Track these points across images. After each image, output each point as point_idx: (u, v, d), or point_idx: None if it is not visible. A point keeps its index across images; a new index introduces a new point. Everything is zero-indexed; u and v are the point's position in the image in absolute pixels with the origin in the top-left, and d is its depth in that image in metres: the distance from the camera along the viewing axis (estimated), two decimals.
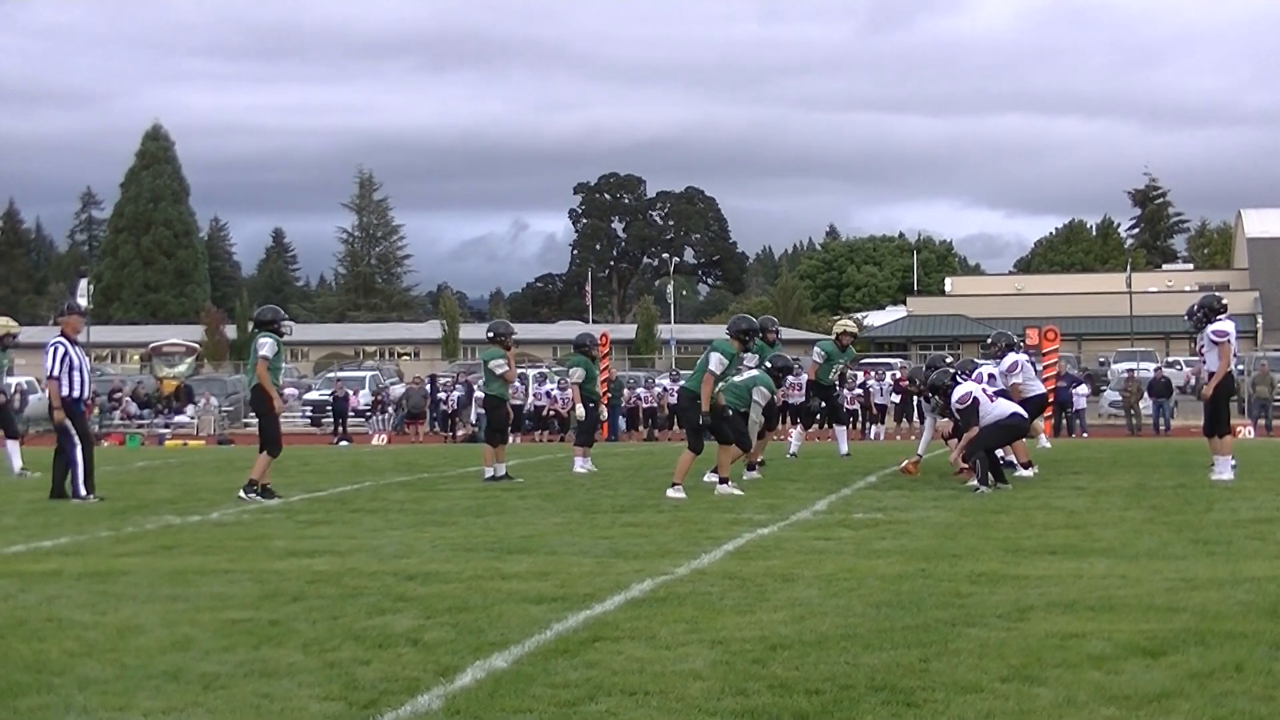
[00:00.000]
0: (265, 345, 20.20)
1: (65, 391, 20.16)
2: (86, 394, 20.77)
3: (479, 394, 50.26)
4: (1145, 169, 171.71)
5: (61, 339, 20.57)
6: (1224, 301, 21.27)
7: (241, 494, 19.71)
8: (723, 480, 19.50)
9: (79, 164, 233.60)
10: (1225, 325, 20.22)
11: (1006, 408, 19.84)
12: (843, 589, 10.73)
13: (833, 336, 26.88)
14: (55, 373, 20.26)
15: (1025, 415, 20.45)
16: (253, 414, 21.25)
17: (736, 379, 20.55)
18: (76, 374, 20.37)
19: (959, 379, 20.56)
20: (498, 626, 9.44)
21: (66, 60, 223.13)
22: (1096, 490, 19.17)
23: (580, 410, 25.01)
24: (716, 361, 19.39)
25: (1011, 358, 22.64)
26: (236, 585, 11.51)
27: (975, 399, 19.55)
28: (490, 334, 23.79)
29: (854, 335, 26.78)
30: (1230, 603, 9.83)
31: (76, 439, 20.10)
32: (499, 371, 23.00)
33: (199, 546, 14.32)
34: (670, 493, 18.87)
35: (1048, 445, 28.31)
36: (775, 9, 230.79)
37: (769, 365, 21.64)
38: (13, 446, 25.66)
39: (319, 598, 10.76)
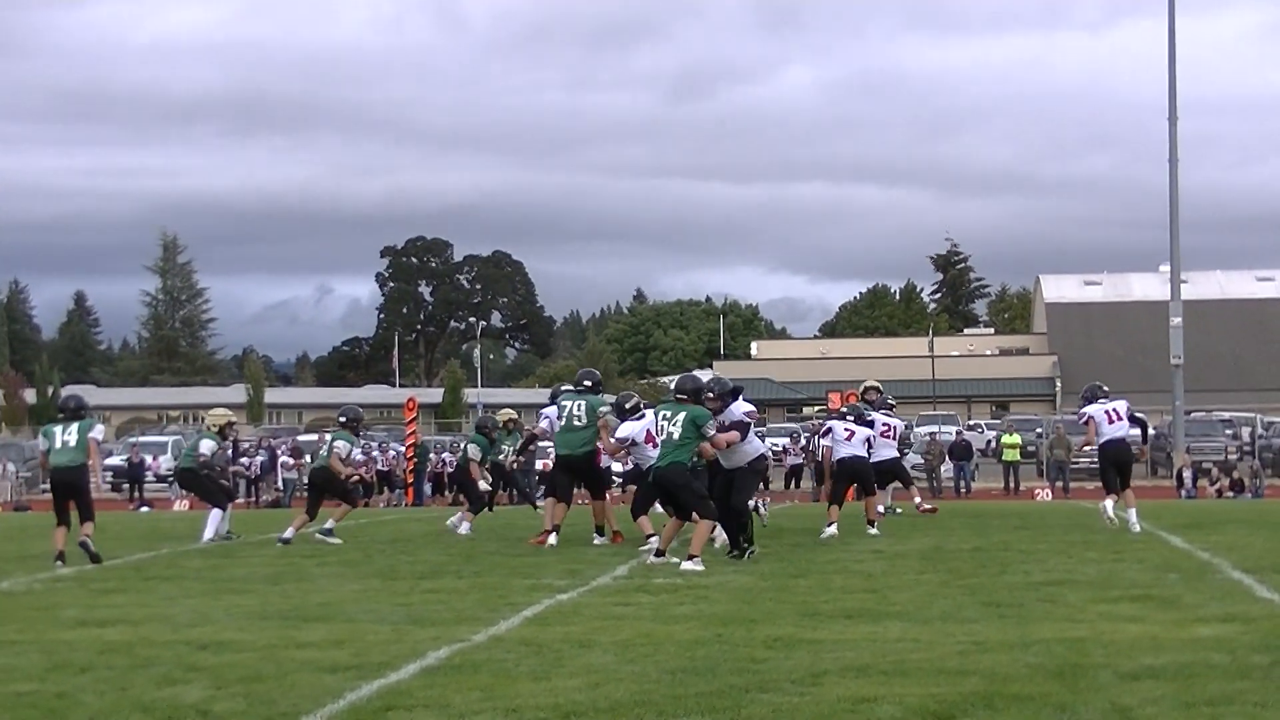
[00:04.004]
0: (340, 445, 23.50)
1: None
2: None
3: (284, 459, 50.05)
4: (947, 235, 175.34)
5: None
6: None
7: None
8: (659, 552, 18.41)
9: None
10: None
11: (758, 447, 19.42)
12: (639, 655, 10.74)
13: None
14: None
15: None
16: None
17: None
18: None
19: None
20: (290, 696, 9.33)
21: None
22: (894, 553, 19.36)
23: (483, 484, 26.52)
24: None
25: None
26: (23, 656, 11.27)
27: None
28: (343, 419, 24.84)
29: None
30: (1019, 665, 9.98)
31: None
32: (341, 455, 23.90)
33: None
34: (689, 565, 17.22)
35: (899, 511, 28.30)
36: (581, 78, 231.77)
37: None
38: None
39: (108, 668, 10.57)
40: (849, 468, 23.56)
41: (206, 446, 24.94)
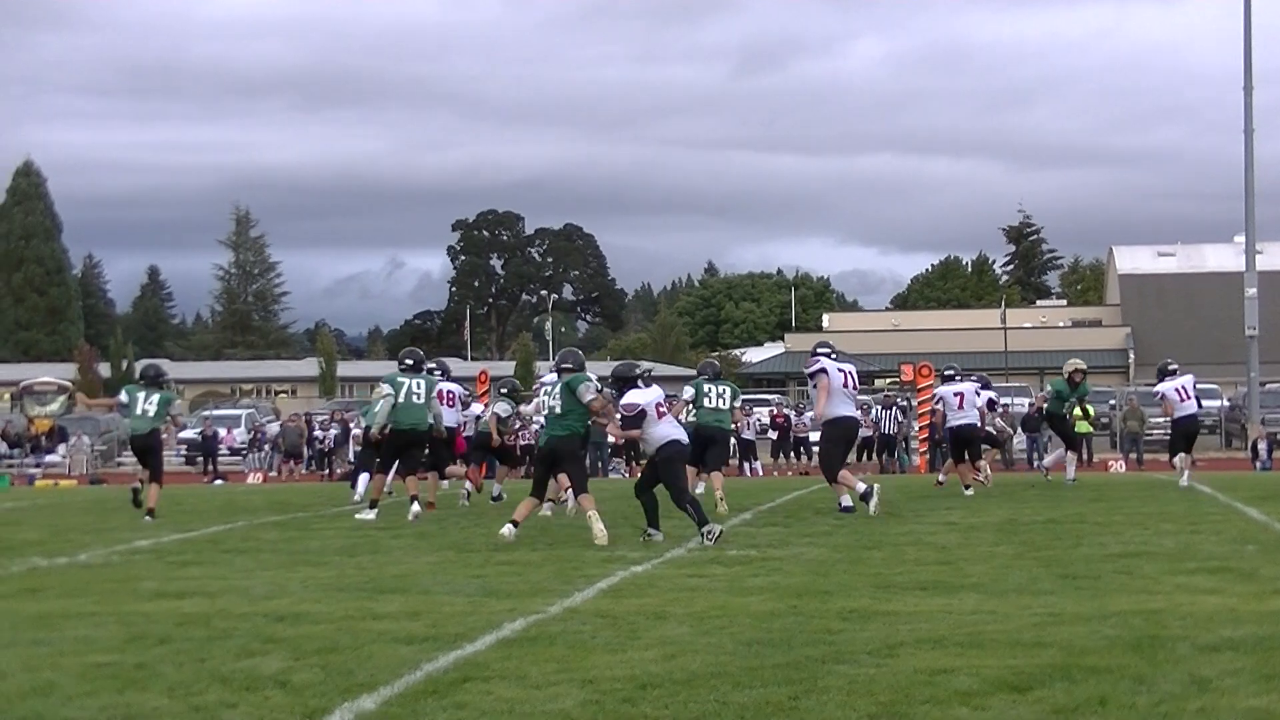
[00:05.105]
0: (501, 407, 24.93)
1: None
2: None
3: (356, 431, 50.16)
4: (1020, 206, 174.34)
5: None
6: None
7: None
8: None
9: None
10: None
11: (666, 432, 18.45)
12: (714, 627, 10.74)
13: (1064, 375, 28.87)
14: None
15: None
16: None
17: None
18: None
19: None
20: (367, 667, 9.37)
21: None
22: (968, 526, 19.31)
23: None
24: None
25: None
26: (102, 628, 11.35)
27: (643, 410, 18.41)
28: (504, 390, 27.30)
29: (1084, 372, 29.24)
30: (1096, 638, 9.92)
31: None
32: (501, 416, 25.82)
33: (65, 589, 14.11)
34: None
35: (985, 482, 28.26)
36: (649, 52, 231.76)
37: None
38: None
39: (186, 640, 10.63)
40: (959, 434, 25.14)
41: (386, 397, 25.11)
